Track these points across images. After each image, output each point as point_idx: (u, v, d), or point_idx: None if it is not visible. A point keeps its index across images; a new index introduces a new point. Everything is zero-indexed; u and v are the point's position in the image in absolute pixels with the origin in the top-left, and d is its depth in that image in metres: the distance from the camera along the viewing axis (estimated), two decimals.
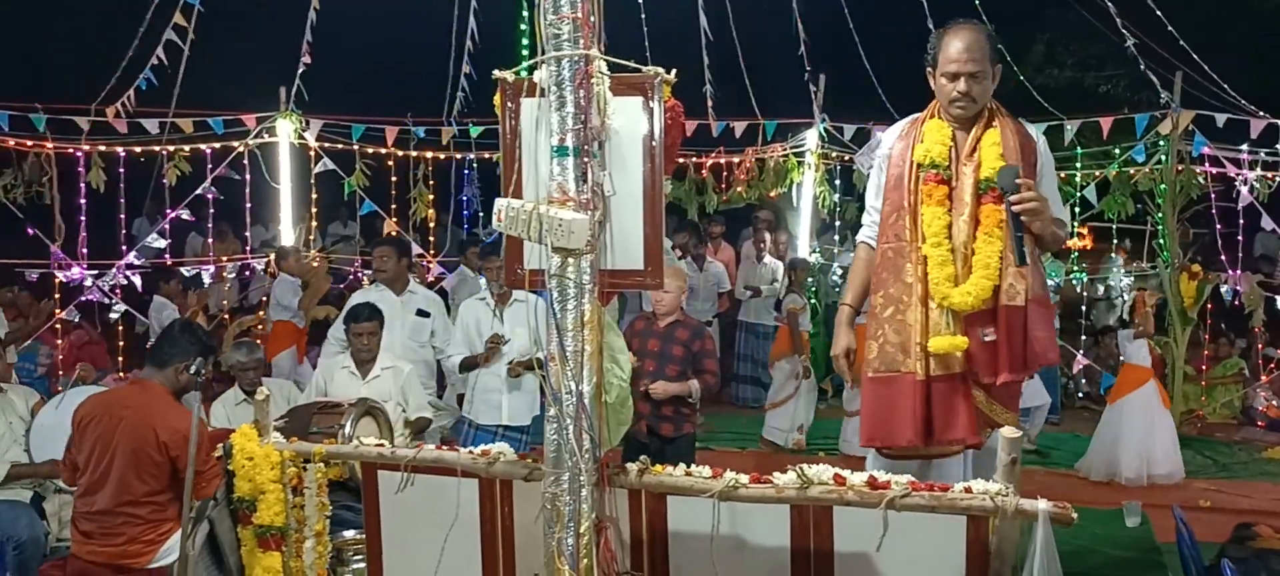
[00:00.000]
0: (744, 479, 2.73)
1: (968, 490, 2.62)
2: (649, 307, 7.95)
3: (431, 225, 10.14)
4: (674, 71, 2.76)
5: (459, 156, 10.34)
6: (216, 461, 3.23)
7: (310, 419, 4.77)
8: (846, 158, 10.21)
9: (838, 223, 10.83)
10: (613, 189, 2.74)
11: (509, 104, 2.79)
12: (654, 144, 2.74)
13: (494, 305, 5.74)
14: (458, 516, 2.97)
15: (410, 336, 6.27)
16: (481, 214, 10.85)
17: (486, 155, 10.37)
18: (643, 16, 8.32)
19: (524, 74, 2.76)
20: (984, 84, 3.52)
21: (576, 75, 2.60)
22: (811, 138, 10.11)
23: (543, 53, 2.62)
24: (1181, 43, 8.31)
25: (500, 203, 2.70)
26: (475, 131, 9.95)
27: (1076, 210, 9.42)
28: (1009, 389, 3.58)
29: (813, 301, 10.41)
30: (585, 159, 2.63)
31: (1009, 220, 3.43)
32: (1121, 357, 8.18)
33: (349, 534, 3.53)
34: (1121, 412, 7.49)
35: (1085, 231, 12.38)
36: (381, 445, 3.05)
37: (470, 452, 2.97)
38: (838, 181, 10.47)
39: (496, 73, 2.80)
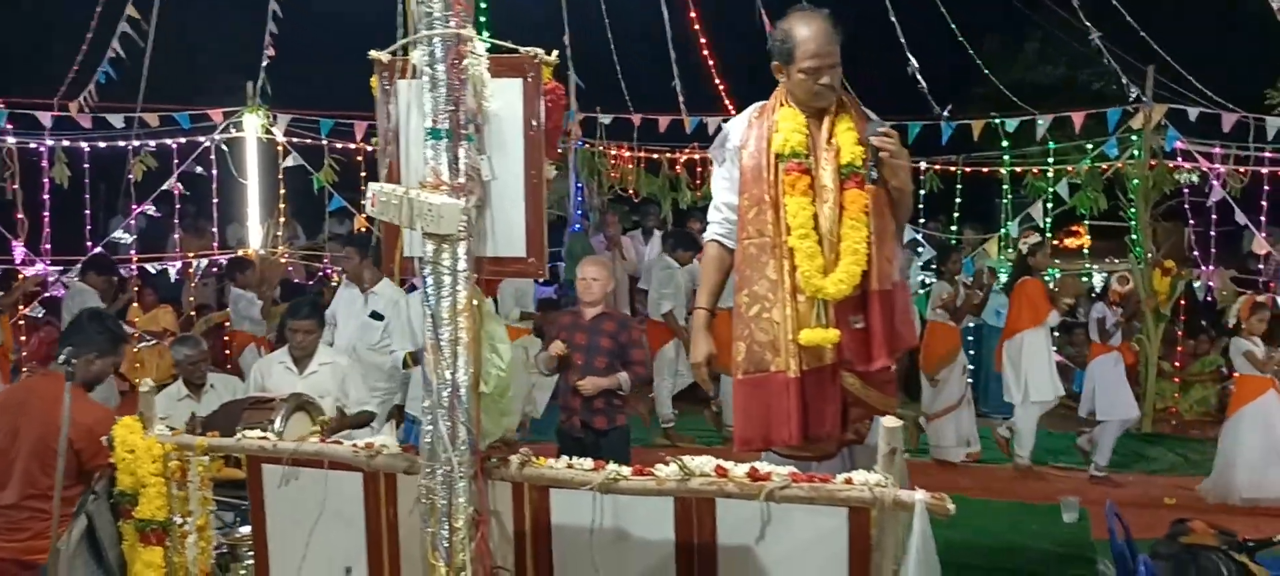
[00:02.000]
0: (626, 471, 2.67)
1: (848, 481, 2.56)
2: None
3: None
4: (553, 53, 2.70)
5: None
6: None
7: (241, 414, 4.70)
8: None
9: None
10: (492, 173, 2.67)
11: (385, 86, 2.72)
12: (534, 128, 2.68)
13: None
14: (342, 510, 2.91)
15: (358, 337, 6.21)
16: None
17: None
18: (604, 8, 8.28)
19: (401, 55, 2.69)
20: (838, 70, 3.49)
21: (448, 55, 2.54)
22: None
23: (415, 32, 2.56)
24: (1141, 36, 8.24)
25: (373, 187, 2.64)
26: None
27: (1049, 205, 9.34)
28: (884, 373, 3.55)
29: None
30: (459, 142, 2.57)
31: (869, 155, 3.40)
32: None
33: (245, 530, 3.47)
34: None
35: (1081, 229, 12.33)
36: (265, 438, 2.99)
37: (354, 446, 2.91)
38: None
39: (372, 54, 2.73)
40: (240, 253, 9.46)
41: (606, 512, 2.72)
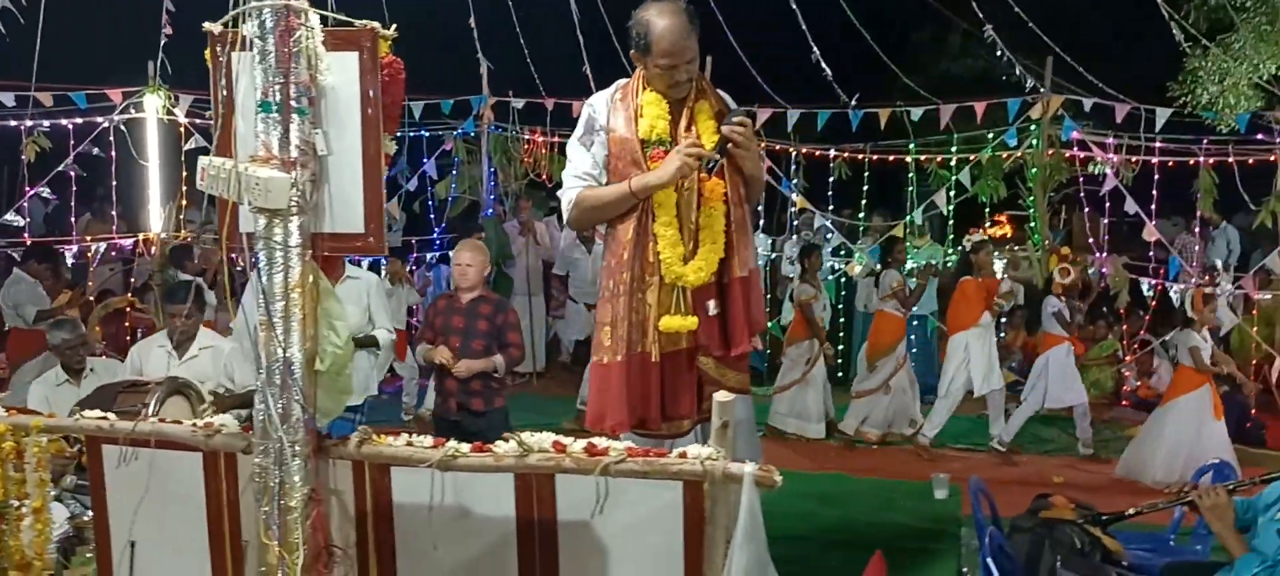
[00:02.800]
0: (465, 448, 2.66)
1: (683, 455, 2.58)
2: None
3: None
4: (393, 27, 2.68)
5: None
6: None
7: (115, 397, 4.61)
8: None
9: None
10: (328, 148, 2.64)
11: (220, 58, 2.67)
12: (371, 102, 2.65)
13: (325, 283, 5.60)
14: (181, 491, 2.86)
15: (244, 321, 6.10)
16: None
17: None
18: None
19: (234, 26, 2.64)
20: (695, 62, 3.52)
21: (278, 27, 2.50)
22: None
23: (246, 3, 2.52)
24: (1040, 28, 8.43)
25: (203, 161, 2.60)
26: None
27: (952, 194, 9.53)
28: (738, 355, 3.60)
29: None
30: (289, 115, 2.54)
31: (720, 143, 3.43)
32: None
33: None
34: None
35: (1004, 219, 12.59)
36: (105, 418, 2.92)
37: (192, 425, 2.86)
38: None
39: (206, 25, 2.68)
40: (164, 237, 9.21)
41: (448, 490, 2.71)
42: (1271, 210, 8.50)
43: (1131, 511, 4.18)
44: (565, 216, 3.76)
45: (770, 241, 10.78)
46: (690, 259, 3.49)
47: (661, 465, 2.56)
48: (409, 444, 2.70)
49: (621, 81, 3.68)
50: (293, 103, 2.54)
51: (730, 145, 3.44)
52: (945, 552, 4.49)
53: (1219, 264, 10.98)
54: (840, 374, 10.23)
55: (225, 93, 2.68)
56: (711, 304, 3.53)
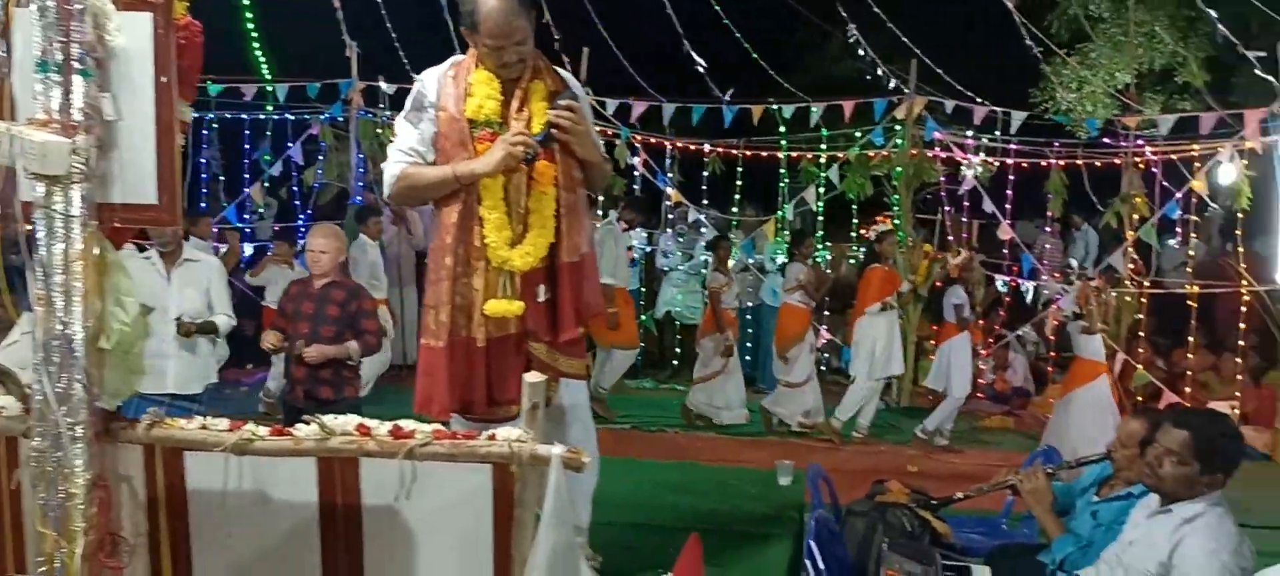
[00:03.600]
0: (263, 431, 2.55)
1: (492, 438, 2.53)
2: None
3: None
4: None
5: (196, 116, 9.72)
6: None
7: None
8: (610, 132, 10.22)
9: (601, 198, 10.79)
10: (117, 113, 2.49)
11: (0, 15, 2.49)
12: (166, 66, 2.51)
13: (162, 265, 5.35)
14: None
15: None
16: (222, 178, 10.28)
17: (227, 115, 9.80)
18: None
19: None
20: (528, 43, 3.47)
21: None
22: None
23: None
24: (905, 35, 8.68)
25: None
26: (215, 89, 9.36)
27: (821, 190, 9.72)
28: (573, 340, 3.59)
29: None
30: (72, 76, 2.38)
31: (547, 129, 3.40)
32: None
33: None
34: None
35: (885, 218, 12.89)
36: None
37: None
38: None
39: None
40: None
41: (246, 476, 2.60)
42: (1116, 211, 8.92)
43: (960, 495, 4.30)
44: (386, 191, 3.67)
45: (646, 235, 10.81)
46: (518, 243, 3.44)
47: (469, 448, 2.51)
48: (203, 427, 2.57)
49: (456, 58, 3.60)
50: (75, 63, 2.38)
51: (555, 131, 3.40)
52: (783, 537, 4.56)
53: (1075, 264, 11.51)
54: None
55: (3, 52, 2.50)
56: (541, 289, 3.50)
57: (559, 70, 3.67)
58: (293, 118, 9.80)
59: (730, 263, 10.02)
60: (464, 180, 3.42)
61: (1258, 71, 8.29)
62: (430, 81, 3.57)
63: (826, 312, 10.50)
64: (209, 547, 2.64)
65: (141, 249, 5.66)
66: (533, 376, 2.55)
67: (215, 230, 9.54)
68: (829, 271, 8.94)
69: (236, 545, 2.63)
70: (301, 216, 10.26)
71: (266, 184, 9.85)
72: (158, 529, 2.64)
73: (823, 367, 9.91)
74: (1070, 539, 3.80)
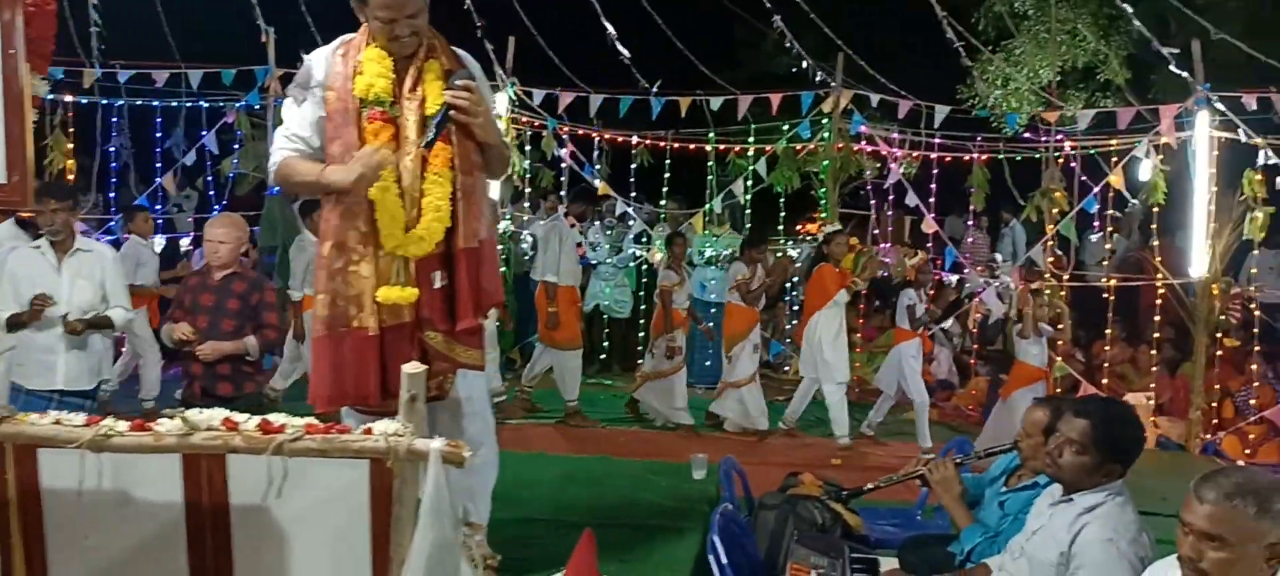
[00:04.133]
0: (122, 426, 2.40)
1: (368, 432, 2.41)
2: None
3: (70, 177, 9.13)
4: None
5: (105, 103, 9.36)
6: None
7: None
8: (537, 123, 10.09)
9: (528, 190, 10.66)
10: None
11: None
12: (11, 38, 2.35)
13: (53, 255, 5.10)
14: None
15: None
16: (132, 168, 9.92)
17: (137, 101, 9.45)
18: None
19: None
20: (422, 17, 3.35)
21: None
22: (502, 102, 9.88)
23: None
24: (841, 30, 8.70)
25: None
26: (124, 74, 9.01)
27: (748, 183, 9.70)
28: (471, 329, 3.47)
29: (504, 270, 10.23)
30: None
31: (443, 112, 3.30)
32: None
33: None
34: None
35: (813, 225, 12.94)
36: None
37: None
38: (528, 147, 10.30)
39: None
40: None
41: (106, 474, 2.44)
42: (1037, 205, 9.04)
43: (870, 486, 4.28)
44: (270, 179, 3.52)
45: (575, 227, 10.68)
46: (412, 228, 3.31)
47: (342, 443, 2.39)
48: (57, 422, 2.41)
49: (346, 36, 3.45)
50: None
51: (453, 111, 3.29)
52: (692, 532, 4.49)
53: (1000, 258, 11.67)
54: (640, 361, 10.27)
55: None
56: (437, 276, 3.37)
57: (456, 50, 3.54)
58: (207, 105, 9.49)
59: (658, 256, 9.98)
60: (323, 188, 3.31)
61: (1172, 68, 8.46)
62: (317, 61, 3.42)
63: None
64: (65, 549, 2.49)
65: (34, 235, 5.41)
66: (411, 367, 2.43)
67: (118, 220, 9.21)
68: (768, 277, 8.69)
69: (96, 547, 2.48)
70: (216, 208, 9.93)
71: (179, 174, 9.52)
72: (9, 530, 2.47)
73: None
74: (978, 529, 3.79)
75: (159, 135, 9.92)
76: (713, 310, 9.63)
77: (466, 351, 3.45)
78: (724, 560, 3.15)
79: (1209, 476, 2.38)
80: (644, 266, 10.36)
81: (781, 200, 10.40)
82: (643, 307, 10.37)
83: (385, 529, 2.44)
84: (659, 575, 3.83)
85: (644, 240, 10.46)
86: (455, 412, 3.53)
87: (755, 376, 8.08)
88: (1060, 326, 7.77)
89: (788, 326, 10.60)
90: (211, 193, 10.27)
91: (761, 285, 8.23)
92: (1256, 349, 8.56)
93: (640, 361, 10.21)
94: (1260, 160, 8.00)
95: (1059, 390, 8.16)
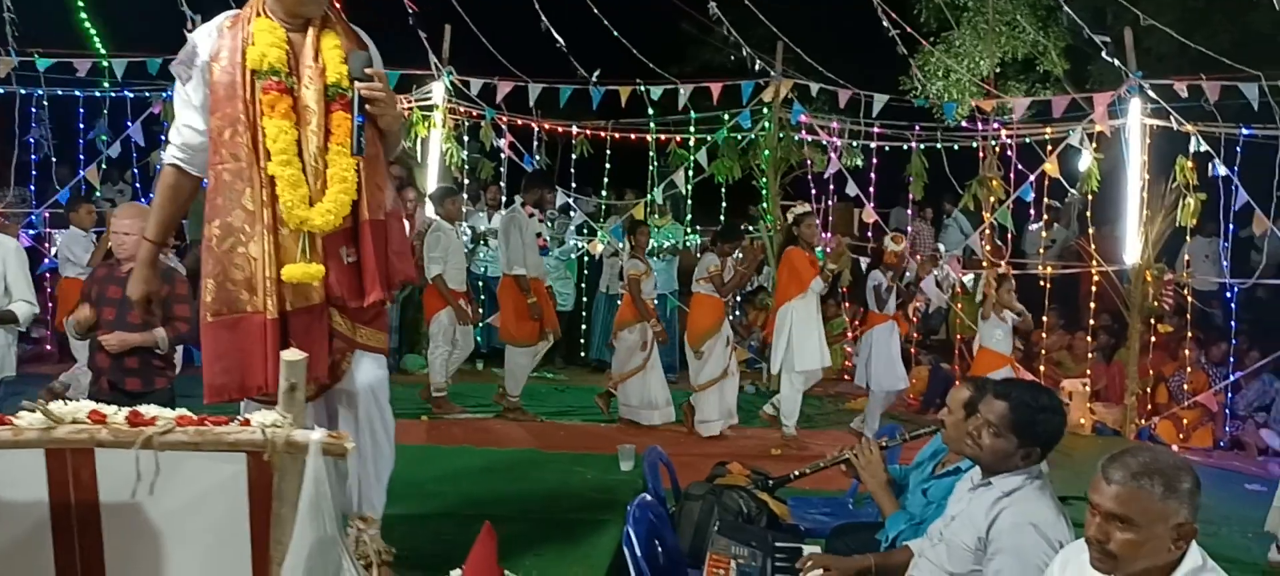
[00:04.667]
0: None
1: (245, 422, 2.28)
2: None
3: None
4: None
5: (24, 92, 9.01)
6: None
7: None
8: (475, 113, 9.93)
9: (467, 181, 10.48)
10: None
11: None
12: None
13: None
14: None
15: None
16: (54, 160, 9.57)
17: (58, 91, 9.13)
18: None
19: None
20: None
21: None
22: (438, 91, 9.71)
23: None
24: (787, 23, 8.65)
25: None
26: (43, 63, 8.70)
27: (690, 173, 9.63)
28: (376, 310, 3.37)
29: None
30: None
31: (354, 107, 3.22)
32: None
33: None
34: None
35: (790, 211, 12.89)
36: None
37: None
38: (466, 138, 10.13)
39: None
40: None
41: None
42: (974, 193, 9.07)
43: (795, 474, 4.21)
44: None
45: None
46: (316, 201, 3.18)
47: (217, 436, 2.26)
48: None
49: (232, 11, 3.31)
50: None
51: (368, 105, 3.22)
52: (613, 524, 4.39)
53: (943, 249, 11.73)
54: (582, 354, 10.18)
55: None
56: (345, 251, 3.26)
57: (354, 27, 3.43)
58: (132, 95, 9.18)
59: (599, 248, 9.88)
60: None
61: (1105, 56, 8.53)
62: (202, 37, 3.29)
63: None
64: None
65: None
66: (291, 355, 2.31)
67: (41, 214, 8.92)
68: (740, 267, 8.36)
69: None
70: (143, 199, 9.63)
71: (103, 166, 9.22)
72: None
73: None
74: (903, 516, 3.74)
75: (81, 126, 9.60)
76: (654, 302, 9.52)
77: (370, 333, 3.34)
78: (639, 553, 3.05)
79: (1116, 457, 2.33)
80: (585, 258, 10.24)
81: (723, 191, 10.35)
82: (585, 299, 10.26)
83: (265, 525, 2.31)
84: (575, 570, 3.74)
85: (585, 232, 10.35)
86: (353, 401, 3.42)
87: (728, 371, 7.74)
88: (1023, 315, 7.57)
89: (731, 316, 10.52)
90: (138, 185, 9.96)
91: (735, 276, 7.92)
92: (1190, 335, 8.68)
93: (583, 355, 10.16)
94: (1192, 147, 8.09)
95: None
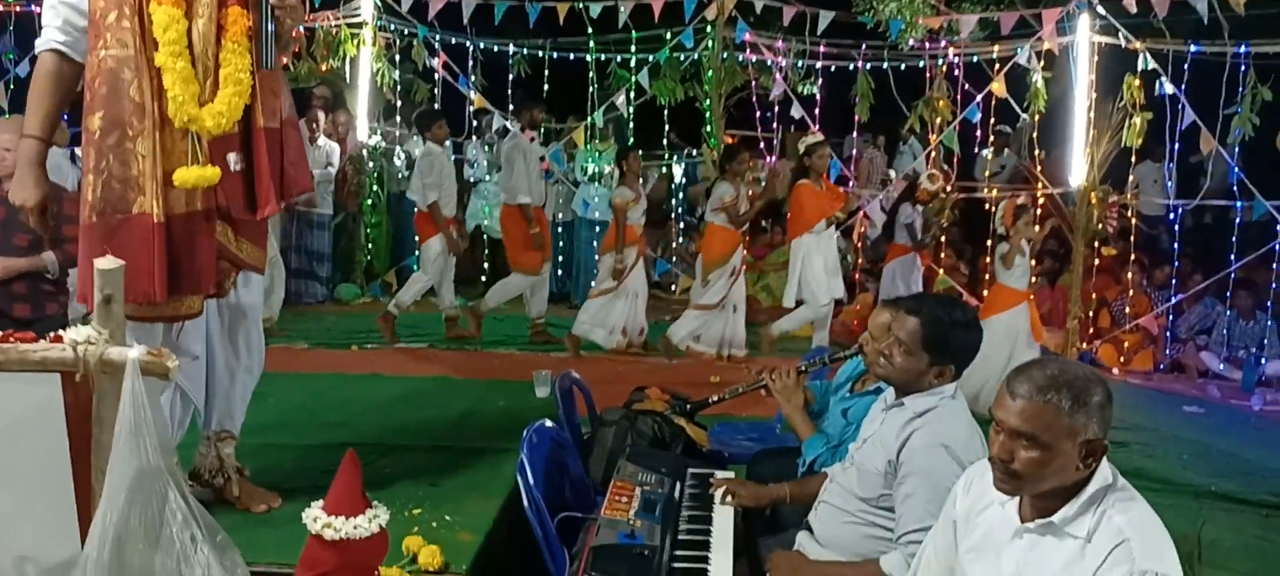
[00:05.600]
0: None
1: (57, 339, 2.03)
2: None
3: None
4: None
5: None
6: None
7: None
8: (408, 32, 9.53)
9: (400, 104, 10.10)
10: None
11: None
12: None
13: None
14: None
15: None
16: None
17: None
18: None
19: None
20: None
21: None
22: (367, 8, 9.29)
23: None
24: None
25: None
26: None
27: (632, 95, 9.34)
28: (257, 225, 3.17)
29: (376, 189, 9.73)
30: None
31: (263, 16, 3.00)
32: None
33: None
34: None
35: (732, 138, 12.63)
36: None
37: None
38: (398, 57, 9.73)
39: None
40: None
41: None
42: (919, 115, 8.88)
43: (713, 399, 4.05)
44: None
45: (453, 144, 10.21)
46: (207, 101, 2.93)
47: (22, 353, 2.02)
48: None
49: None
50: None
51: (279, 13, 3.03)
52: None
53: (893, 175, 11.56)
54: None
55: None
56: (233, 157, 3.02)
57: None
58: (38, 11, 8.66)
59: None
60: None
61: None
62: None
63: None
64: None
65: None
66: (105, 263, 2.06)
67: None
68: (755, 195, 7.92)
69: None
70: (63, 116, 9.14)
71: (11, 87, 8.71)
72: None
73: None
74: (820, 438, 3.59)
75: None
76: (598, 229, 9.29)
77: (253, 249, 3.12)
78: (531, 480, 2.87)
79: (1022, 369, 2.15)
80: None
81: (665, 113, 10.06)
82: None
83: (86, 452, 2.08)
84: (471, 497, 3.55)
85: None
86: (235, 320, 3.21)
87: (730, 303, 7.56)
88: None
89: (675, 244, 10.33)
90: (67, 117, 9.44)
91: (752, 208, 7.56)
92: (1134, 258, 8.62)
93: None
94: (1140, 65, 7.93)
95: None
